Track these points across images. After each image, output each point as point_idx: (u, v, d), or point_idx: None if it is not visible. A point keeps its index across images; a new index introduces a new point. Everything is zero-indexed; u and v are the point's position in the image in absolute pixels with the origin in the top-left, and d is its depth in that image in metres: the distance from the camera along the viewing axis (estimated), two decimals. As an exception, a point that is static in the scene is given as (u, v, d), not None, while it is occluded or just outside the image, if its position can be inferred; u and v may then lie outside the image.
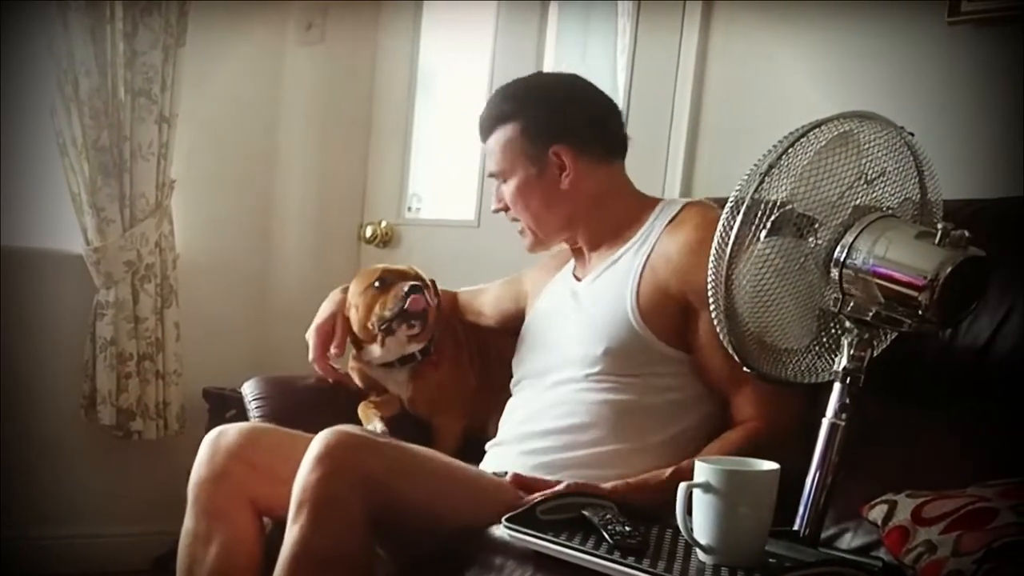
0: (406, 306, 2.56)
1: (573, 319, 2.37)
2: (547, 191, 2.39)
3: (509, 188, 2.43)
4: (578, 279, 2.46)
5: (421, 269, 2.72)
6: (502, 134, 2.41)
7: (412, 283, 2.58)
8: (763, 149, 1.77)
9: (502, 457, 2.36)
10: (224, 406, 3.73)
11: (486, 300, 2.81)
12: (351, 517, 1.92)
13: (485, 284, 2.86)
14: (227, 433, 2.24)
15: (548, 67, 3.86)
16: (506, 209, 2.48)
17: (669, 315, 2.18)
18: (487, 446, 2.46)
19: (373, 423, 2.57)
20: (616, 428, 2.21)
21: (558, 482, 2.06)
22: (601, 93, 2.47)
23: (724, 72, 3.26)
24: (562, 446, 2.24)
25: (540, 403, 2.34)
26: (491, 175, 2.48)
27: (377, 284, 2.61)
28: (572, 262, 2.54)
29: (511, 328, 2.63)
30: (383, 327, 2.59)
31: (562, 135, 2.37)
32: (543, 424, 2.30)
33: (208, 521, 2.20)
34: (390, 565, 2.13)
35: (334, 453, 1.93)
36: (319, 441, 1.95)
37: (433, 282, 2.70)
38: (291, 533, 1.93)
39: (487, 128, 2.45)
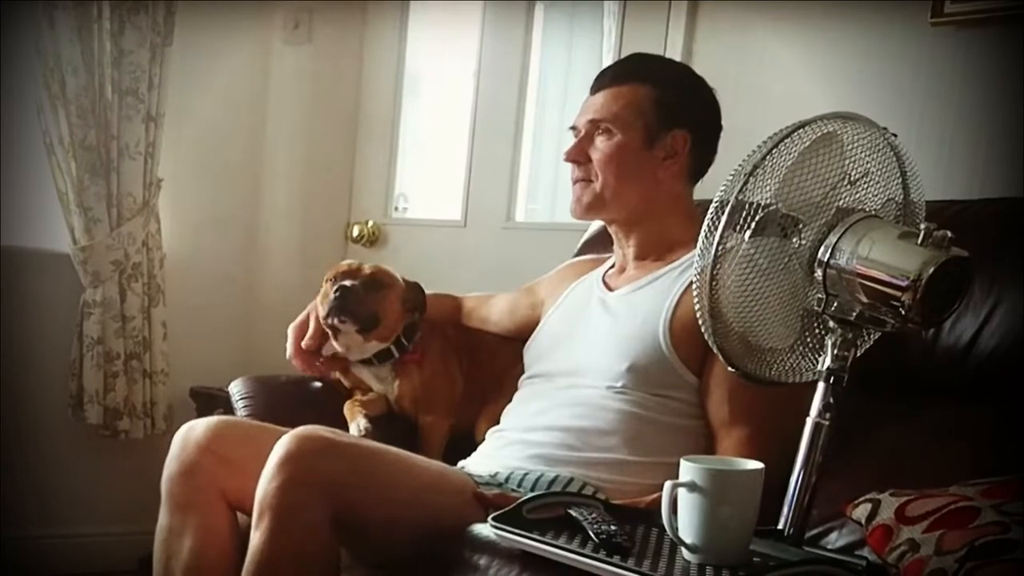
0: (326, 314, 2.57)
1: (601, 329, 2.36)
2: (643, 167, 2.34)
3: (607, 144, 2.34)
4: (609, 289, 2.44)
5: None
6: (631, 90, 2.34)
7: (342, 283, 2.57)
8: (747, 147, 1.77)
9: (498, 443, 2.37)
10: (211, 405, 3.72)
11: (495, 307, 2.78)
12: (313, 523, 1.93)
13: (487, 293, 2.85)
14: (196, 427, 2.22)
15: (534, 68, 3.88)
16: (580, 162, 2.38)
17: (697, 344, 2.07)
18: (489, 432, 2.46)
19: (357, 420, 2.57)
20: (632, 440, 2.20)
21: (518, 495, 2.02)
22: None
23: (709, 71, 3.25)
24: (570, 444, 2.23)
25: (556, 400, 2.33)
26: (592, 121, 2.36)
27: (329, 281, 2.62)
28: (599, 270, 2.52)
29: (523, 335, 2.60)
30: (327, 325, 2.60)
31: (690, 124, 2.35)
32: (556, 420, 2.28)
33: (181, 515, 2.19)
34: (359, 567, 2.14)
35: (294, 459, 1.93)
36: (280, 447, 1.95)
37: (409, 283, 2.68)
38: (254, 540, 1.94)
39: (619, 78, 2.37)
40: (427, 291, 2.74)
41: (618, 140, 2.33)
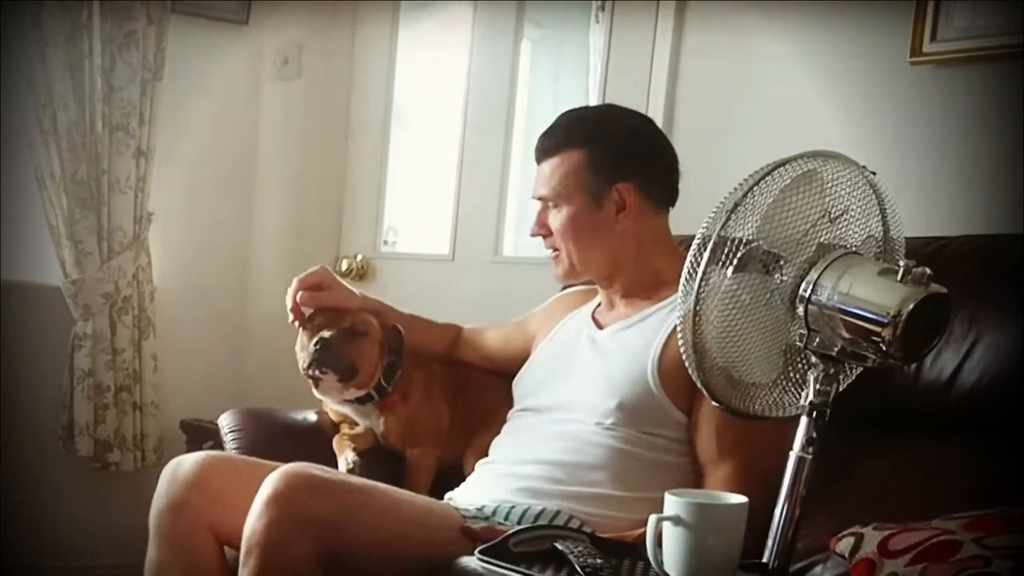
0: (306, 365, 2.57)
1: (591, 366, 2.37)
2: (599, 227, 2.35)
3: (559, 216, 2.37)
4: (599, 326, 2.45)
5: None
6: (564, 160, 2.36)
7: (321, 335, 2.55)
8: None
9: (487, 475, 2.38)
10: (201, 438, 3.73)
11: (491, 339, 2.79)
12: (300, 561, 1.93)
13: (486, 324, 2.85)
14: (184, 463, 2.23)
15: (522, 97, 3.90)
16: (545, 235, 2.42)
17: (685, 382, 2.05)
18: (477, 464, 2.47)
19: (346, 454, 2.58)
20: (619, 476, 2.21)
21: (506, 529, 2.02)
22: (668, 140, 2.46)
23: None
24: (557, 478, 2.24)
25: (544, 434, 2.34)
26: (540, 198, 2.41)
27: (307, 330, 2.61)
28: (589, 306, 2.53)
29: (515, 370, 2.60)
30: (307, 375, 2.59)
31: (629, 173, 2.35)
32: (544, 454, 2.29)
33: (170, 551, 2.19)
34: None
35: (282, 497, 1.94)
36: (268, 484, 1.96)
37: (387, 326, 2.66)
38: None
39: (549, 150, 2.39)
40: (407, 314, 2.76)
41: (566, 211, 2.37)
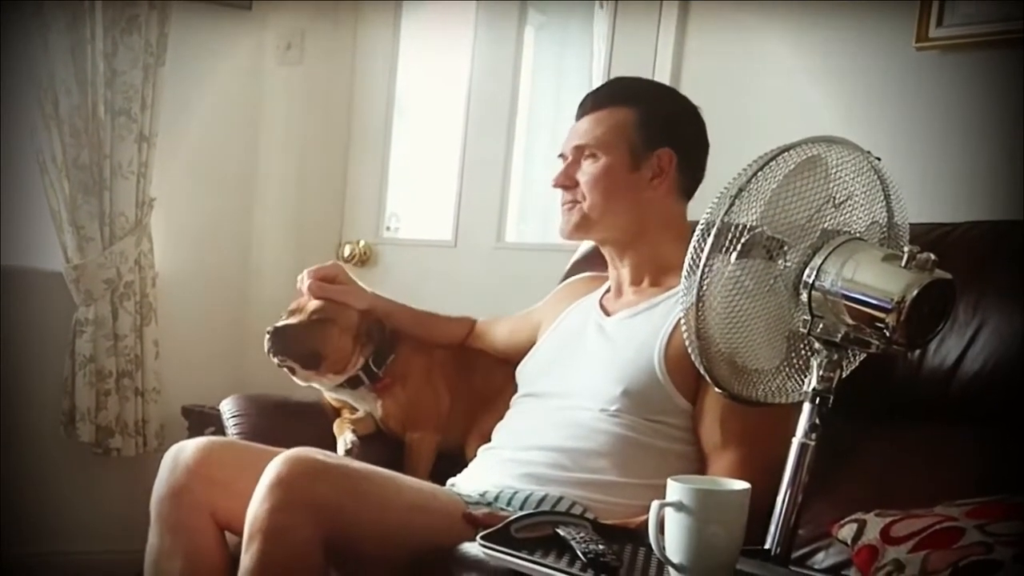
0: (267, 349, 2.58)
1: (598, 353, 2.36)
2: (630, 187, 2.35)
3: (593, 167, 2.36)
4: (607, 313, 2.44)
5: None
6: (613, 113, 2.37)
7: (276, 324, 2.58)
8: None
9: (490, 460, 2.38)
10: (203, 423, 3.73)
11: (499, 329, 2.78)
12: (303, 546, 1.94)
13: (495, 317, 2.84)
14: (185, 449, 2.23)
15: (525, 81, 3.90)
16: (568, 187, 2.40)
17: (691, 370, 2.03)
18: (480, 449, 2.46)
19: (345, 436, 2.58)
20: (623, 463, 2.21)
21: (508, 514, 2.02)
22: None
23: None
24: (561, 464, 2.24)
25: (549, 420, 2.33)
26: (575, 148, 2.39)
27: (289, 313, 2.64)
28: (596, 294, 2.52)
29: (520, 358, 2.59)
30: (277, 365, 2.61)
31: (673, 143, 2.36)
32: (548, 440, 2.29)
33: (171, 537, 2.20)
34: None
35: (285, 482, 1.94)
36: (271, 469, 1.96)
37: (364, 315, 2.66)
38: (244, 562, 1.95)
39: (600, 103, 2.40)
40: (420, 311, 2.76)
41: (604, 162, 2.35)
